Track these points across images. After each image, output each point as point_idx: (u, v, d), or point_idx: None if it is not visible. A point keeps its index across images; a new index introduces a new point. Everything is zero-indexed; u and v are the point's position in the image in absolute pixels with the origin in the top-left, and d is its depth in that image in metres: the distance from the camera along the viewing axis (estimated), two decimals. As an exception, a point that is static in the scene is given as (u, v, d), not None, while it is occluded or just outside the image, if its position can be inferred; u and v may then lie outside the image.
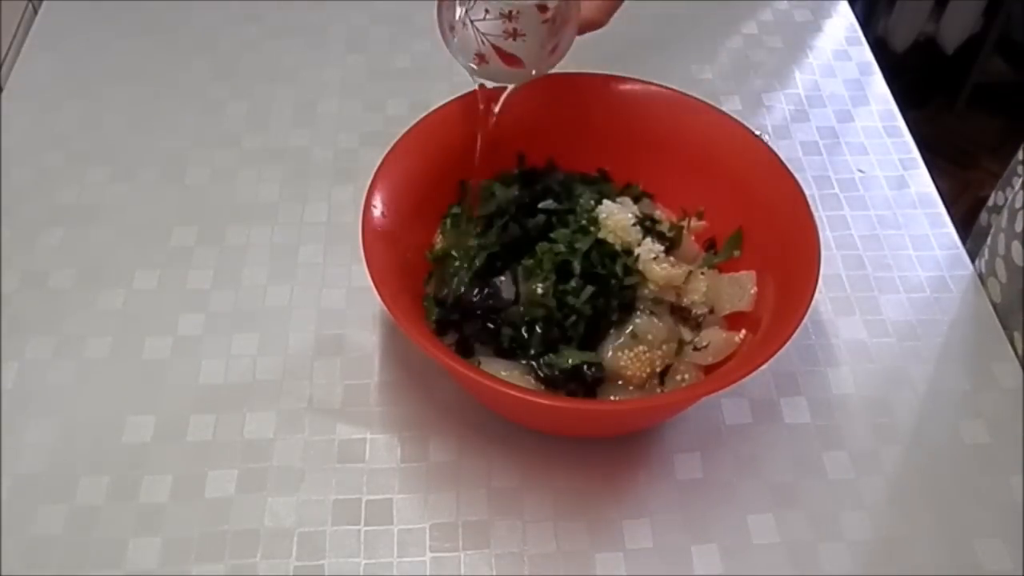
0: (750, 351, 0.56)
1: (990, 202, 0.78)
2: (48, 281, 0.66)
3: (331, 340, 0.63)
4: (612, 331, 0.58)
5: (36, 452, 0.58)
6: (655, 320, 0.59)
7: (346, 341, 0.63)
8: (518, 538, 0.55)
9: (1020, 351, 0.65)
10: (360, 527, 0.55)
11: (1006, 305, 0.66)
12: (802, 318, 0.53)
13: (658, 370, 0.58)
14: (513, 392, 0.52)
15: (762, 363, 0.52)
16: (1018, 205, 0.66)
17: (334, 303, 0.65)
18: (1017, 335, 0.65)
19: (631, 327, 0.58)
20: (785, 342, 0.52)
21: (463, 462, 0.58)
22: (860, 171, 0.75)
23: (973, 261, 0.70)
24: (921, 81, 1.84)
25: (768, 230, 0.61)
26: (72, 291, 0.66)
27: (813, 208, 0.59)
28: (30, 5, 0.86)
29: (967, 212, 0.81)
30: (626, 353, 0.57)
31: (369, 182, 0.59)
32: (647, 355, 0.58)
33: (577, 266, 0.58)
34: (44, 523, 0.55)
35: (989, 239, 0.70)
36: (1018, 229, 0.66)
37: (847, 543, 0.55)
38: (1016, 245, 0.65)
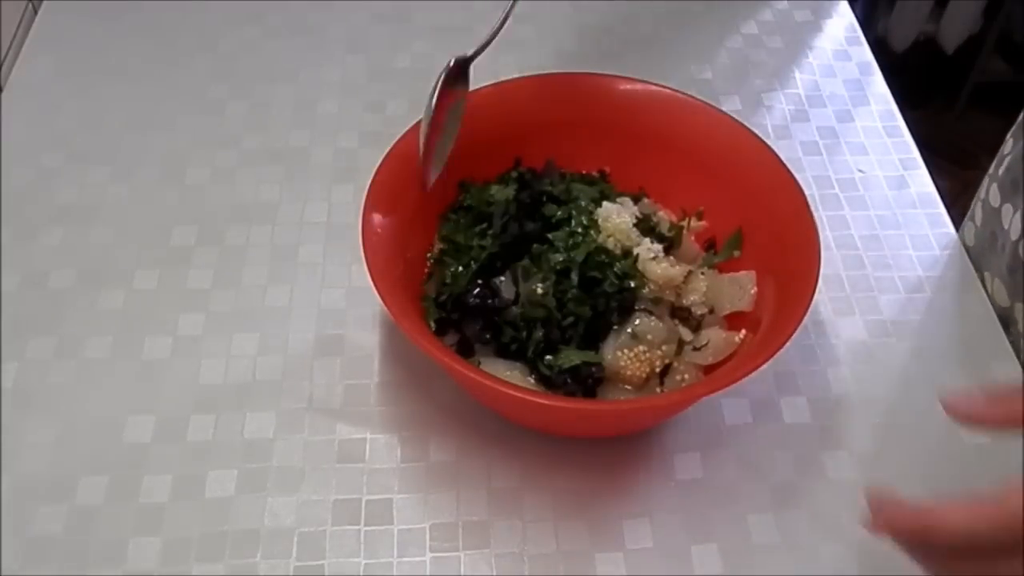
0: (750, 351, 0.56)
1: (991, 170, 0.78)
2: (48, 281, 0.66)
3: (331, 340, 0.63)
4: (612, 331, 0.58)
5: (36, 452, 0.58)
6: (655, 320, 0.59)
7: (346, 341, 0.63)
8: (518, 538, 0.55)
9: (991, 290, 0.66)
10: (360, 527, 0.55)
11: (978, 247, 0.67)
12: (802, 318, 0.53)
13: (658, 370, 0.58)
14: (513, 392, 0.52)
15: (762, 363, 0.52)
16: (1006, 152, 0.67)
17: (334, 303, 0.65)
18: (988, 275, 0.65)
19: (631, 327, 0.58)
20: (785, 342, 0.52)
21: (463, 462, 0.58)
22: (860, 171, 0.75)
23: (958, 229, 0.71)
24: (921, 81, 1.84)
25: (768, 230, 0.61)
26: (72, 291, 0.66)
27: (813, 208, 0.59)
28: (30, 5, 0.86)
29: (967, 212, 0.81)
30: (626, 353, 0.57)
31: (369, 182, 0.59)
32: (647, 355, 0.57)
33: (575, 277, 0.58)
34: (44, 523, 0.55)
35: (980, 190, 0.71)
36: (1000, 172, 0.66)
37: (847, 543, 0.55)
38: (994, 188, 0.65)
